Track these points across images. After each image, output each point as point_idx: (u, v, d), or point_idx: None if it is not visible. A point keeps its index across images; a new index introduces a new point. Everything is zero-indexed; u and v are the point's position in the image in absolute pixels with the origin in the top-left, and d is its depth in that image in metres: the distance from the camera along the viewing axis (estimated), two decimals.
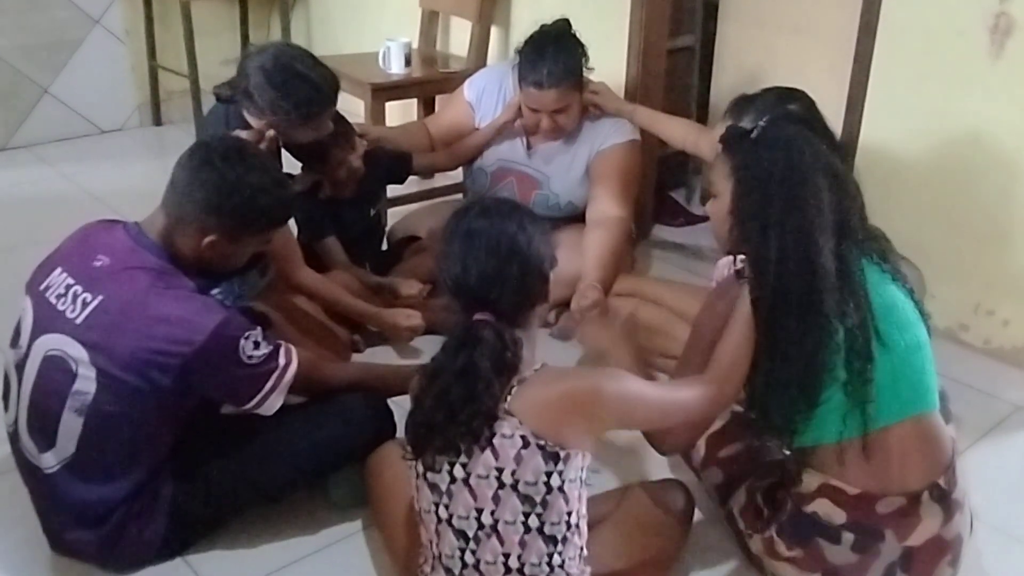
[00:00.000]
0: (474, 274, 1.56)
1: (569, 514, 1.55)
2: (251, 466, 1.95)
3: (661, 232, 3.66)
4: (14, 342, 1.88)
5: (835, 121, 2.81)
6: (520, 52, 2.75)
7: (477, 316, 1.57)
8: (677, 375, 1.89)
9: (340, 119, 2.64)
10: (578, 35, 2.77)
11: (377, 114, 3.48)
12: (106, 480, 1.83)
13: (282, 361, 1.87)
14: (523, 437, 1.50)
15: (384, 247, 3.03)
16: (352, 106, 3.44)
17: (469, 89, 3.05)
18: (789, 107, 2.13)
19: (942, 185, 2.74)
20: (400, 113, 3.92)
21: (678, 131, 2.84)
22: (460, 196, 3.35)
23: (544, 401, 1.54)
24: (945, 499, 1.73)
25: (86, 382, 1.75)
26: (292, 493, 2.04)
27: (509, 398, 1.52)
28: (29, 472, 1.88)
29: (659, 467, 2.19)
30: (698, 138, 2.76)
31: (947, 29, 2.61)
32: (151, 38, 4.50)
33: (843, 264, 1.71)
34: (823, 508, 1.74)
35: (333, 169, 2.68)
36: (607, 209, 2.80)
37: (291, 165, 2.61)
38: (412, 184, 3.18)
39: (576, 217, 2.91)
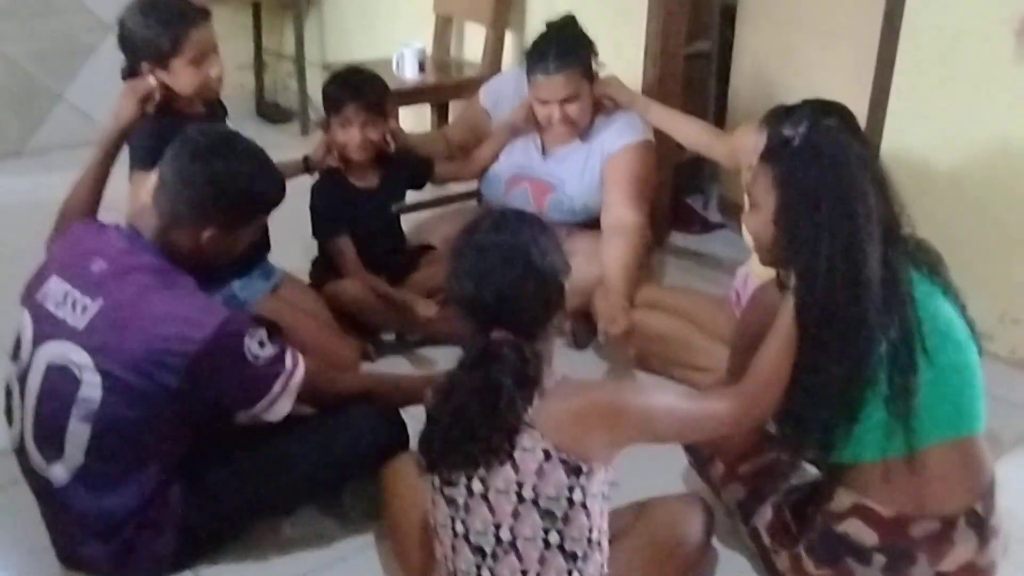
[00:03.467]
0: (490, 292, 1.52)
1: (590, 530, 1.50)
2: (261, 478, 1.92)
3: (678, 240, 3.60)
4: (15, 355, 1.86)
5: None
6: (528, 49, 2.74)
7: (495, 334, 1.53)
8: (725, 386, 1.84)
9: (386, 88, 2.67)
10: (584, 29, 2.75)
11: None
12: (115, 490, 1.80)
13: (289, 364, 1.84)
14: (545, 450, 1.47)
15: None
16: None
17: (485, 95, 3.02)
18: (826, 120, 2.09)
19: (966, 192, 2.69)
20: (415, 120, 3.90)
21: (692, 132, 2.78)
22: (474, 203, 3.31)
23: (566, 413, 1.50)
24: (981, 525, 1.68)
25: (91, 388, 1.73)
26: (303, 505, 2.02)
27: (530, 410, 1.48)
28: (38, 486, 1.86)
29: (679, 481, 2.15)
30: (713, 140, 2.71)
31: (972, 32, 2.56)
32: None
33: (890, 273, 1.66)
34: (854, 528, 1.69)
35: (341, 124, 2.61)
36: (622, 215, 2.75)
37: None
38: (425, 190, 3.14)
39: (592, 222, 2.87)
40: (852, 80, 2.84)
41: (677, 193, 3.64)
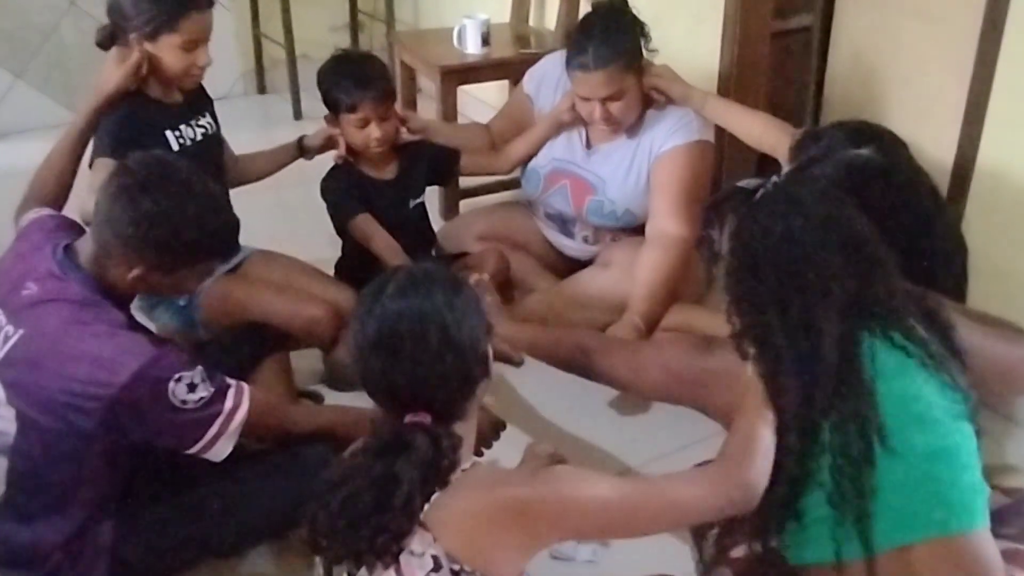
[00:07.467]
0: (402, 373, 1.30)
1: None
2: (199, 519, 1.80)
3: None
4: None
5: (950, 131, 2.35)
6: (569, 37, 2.45)
7: (409, 418, 1.31)
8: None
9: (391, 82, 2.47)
10: (636, 13, 2.43)
11: (448, 100, 3.19)
12: (40, 521, 1.71)
13: (229, 404, 1.68)
14: (434, 557, 1.25)
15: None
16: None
17: (528, 80, 2.76)
18: (858, 151, 1.75)
19: None
20: (496, 98, 3.65)
21: (755, 128, 2.41)
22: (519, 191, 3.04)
23: (467, 513, 1.27)
24: None
25: (6, 423, 1.64)
26: (245, 550, 1.88)
27: (427, 507, 1.27)
28: None
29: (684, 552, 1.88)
30: (779, 139, 2.31)
31: None
32: (255, 5, 4.41)
33: (845, 349, 1.41)
34: None
35: (358, 124, 2.41)
36: (665, 226, 2.45)
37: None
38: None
39: (638, 227, 2.58)
40: (954, 73, 2.39)
41: None
